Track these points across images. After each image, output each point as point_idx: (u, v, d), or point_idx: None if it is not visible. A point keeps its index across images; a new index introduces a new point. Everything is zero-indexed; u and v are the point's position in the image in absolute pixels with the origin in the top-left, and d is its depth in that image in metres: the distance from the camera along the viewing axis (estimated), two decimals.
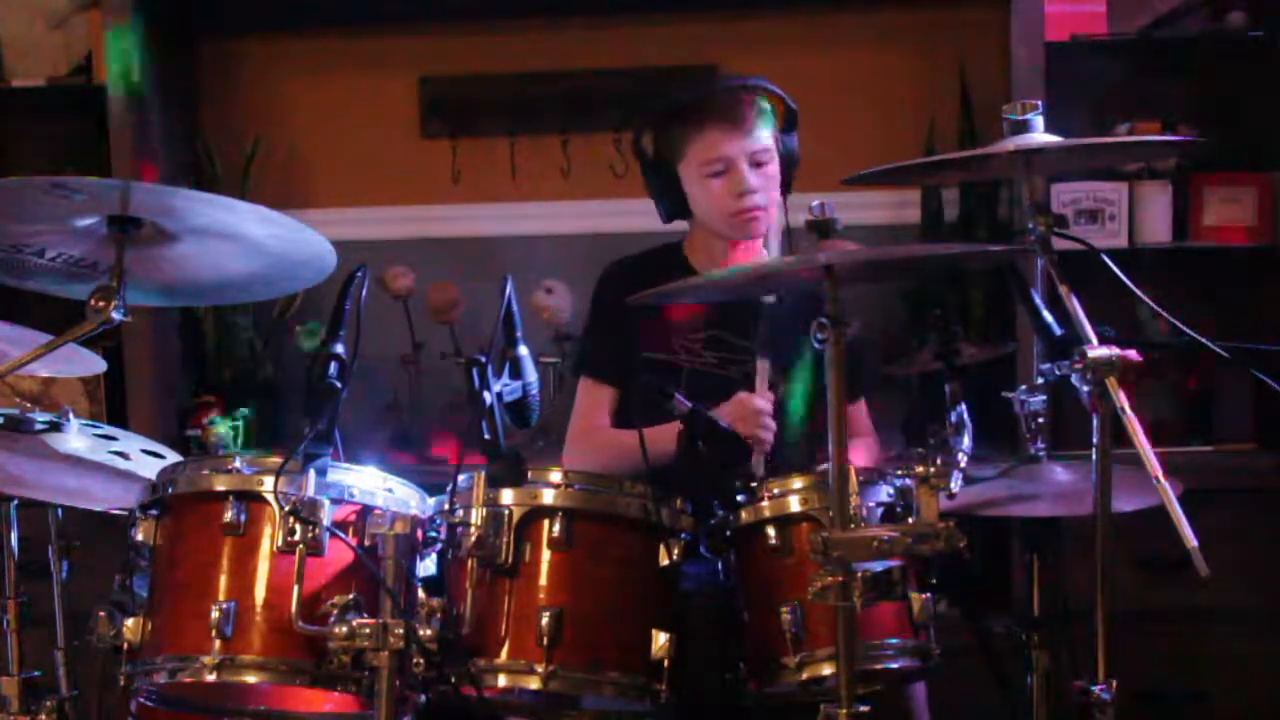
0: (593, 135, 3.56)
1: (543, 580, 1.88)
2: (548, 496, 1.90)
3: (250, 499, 1.84)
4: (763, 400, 2.33)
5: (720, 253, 2.53)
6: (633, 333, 2.51)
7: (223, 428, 3.31)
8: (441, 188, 3.61)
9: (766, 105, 2.46)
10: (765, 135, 2.45)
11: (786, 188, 2.50)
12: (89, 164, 3.21)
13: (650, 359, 2.50)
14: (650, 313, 2.47)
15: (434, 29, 3.58)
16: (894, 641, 1.94)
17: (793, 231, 2.48)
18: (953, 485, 1.89)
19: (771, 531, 1.96)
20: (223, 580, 1.83)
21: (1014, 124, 1.89)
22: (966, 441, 1.97)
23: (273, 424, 3.48)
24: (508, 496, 1.89)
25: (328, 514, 1.81)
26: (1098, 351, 1.76)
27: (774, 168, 2.46)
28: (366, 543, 1.84)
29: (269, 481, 1.82)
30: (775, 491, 1.98)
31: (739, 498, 2.00)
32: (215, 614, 1.78)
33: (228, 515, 1.83)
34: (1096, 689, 1.81)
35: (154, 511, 1.90)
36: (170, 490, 1.89)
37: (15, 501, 2.12)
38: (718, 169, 2.43)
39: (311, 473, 1.81)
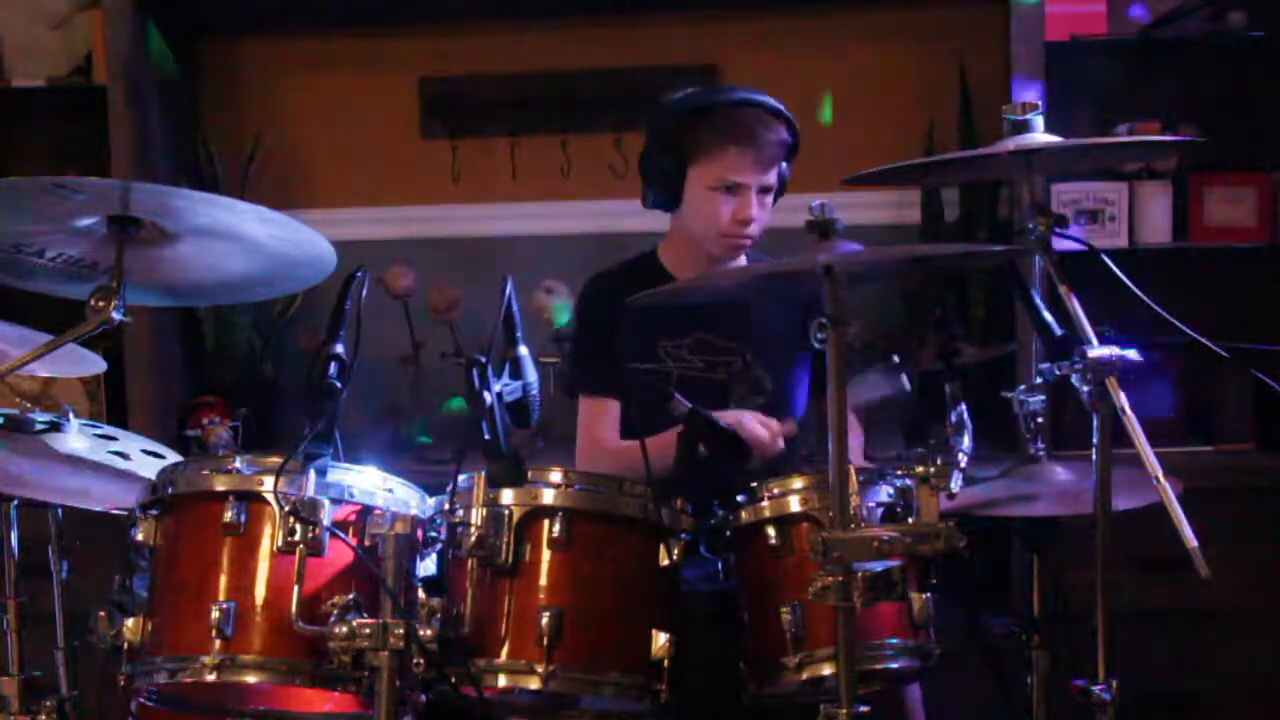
0: (593, 135, 3.56)
1: (543, 580, 1.88)
2: (548, 496, 1.89)
3: (250, 499, 1.83)
4: (775, 422, 2.30)
5: (699, 259, 2.49)
6: (620, 342, 2.49)
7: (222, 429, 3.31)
8: (441, 188, 3.61)
9: (789, 139, 2.43)
10: (778, 169, 2.43)
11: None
12: (89, 164, 3.20)
13: (637, 369, 2.49)
14: (633, 322, 2.43)
15: (434, 29, 3.58)
16: (894, 641, 1.94)
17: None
18: (953, 485, 1.89)
19: (771, 531, 1.96)
20: (223, 580, 1.82)
21: (1014, 124, 1.89)
22: (966, 441, 1.97)
23: (273, 424, 3.49)
24: (508, 496, 1.88)
25: (328, 514, 1.81)
26: (1098, 351, 1.76)
27: (770, 198, 2.45)
28: (366, 543, 1.84)
29: (269, 481, 1.82)
30: (775, 491, 1.98)
31: (739, 498, 2.00)
32: (215, 614, 1.78)
33: (228, 515, 1.82)
34: (1096, 689, 1.81)
35: (154, 511, 1.90)
36: (170, 490, 1.88)
37: (15, 501, 2.11)
38: (728, 186, 2.40)
39: (311, 473, 1.81)
